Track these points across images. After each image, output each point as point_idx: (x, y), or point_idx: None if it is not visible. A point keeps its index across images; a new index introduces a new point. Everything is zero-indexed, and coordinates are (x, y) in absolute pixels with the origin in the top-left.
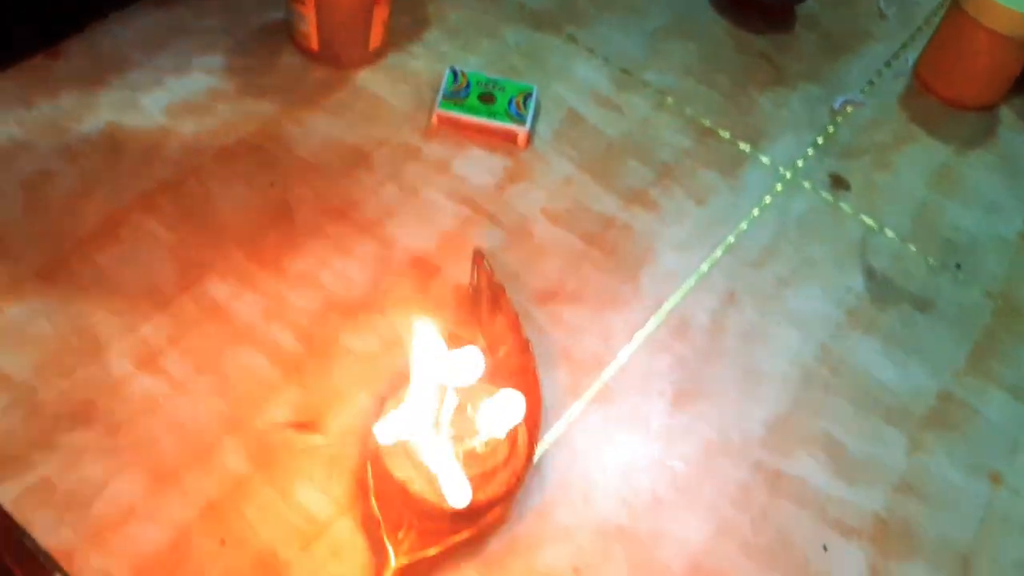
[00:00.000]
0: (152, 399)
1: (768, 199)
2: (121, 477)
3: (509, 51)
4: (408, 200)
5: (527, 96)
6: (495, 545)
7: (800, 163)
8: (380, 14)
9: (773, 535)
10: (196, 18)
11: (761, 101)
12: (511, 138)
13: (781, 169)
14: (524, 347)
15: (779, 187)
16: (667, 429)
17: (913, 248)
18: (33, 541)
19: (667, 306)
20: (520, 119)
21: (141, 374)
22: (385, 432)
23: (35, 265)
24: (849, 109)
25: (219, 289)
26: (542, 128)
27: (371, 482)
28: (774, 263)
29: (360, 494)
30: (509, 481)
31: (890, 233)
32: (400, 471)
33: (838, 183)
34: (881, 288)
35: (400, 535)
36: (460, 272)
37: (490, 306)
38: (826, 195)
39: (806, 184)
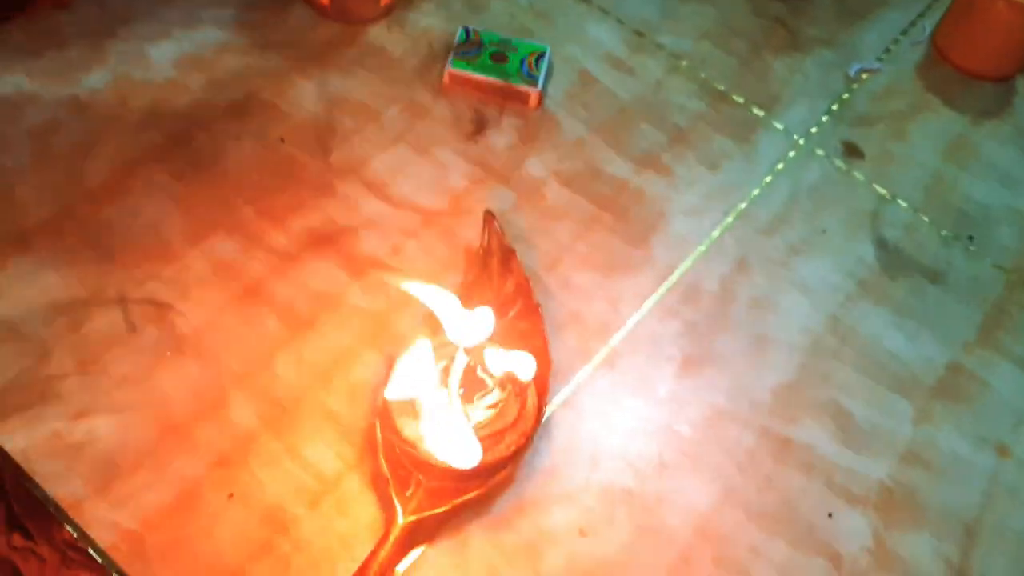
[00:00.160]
0: (161, 353)
1: (781, 166)
2: (130, 430)
3: (522, 10)
4: (418, 159)
5: (539, 56)
6: (502, 505)
7: (814, 130)
8: None
9: (779, 501)
10: None
11: (776, 66)
12: (523, 99)
13: (795, 136)
14: (534, 310)
15: (792, 154)
16: (675, 394)
17: (926, 219)
18: (43, 492)
19: (677, 272)
20: (532, 80)
21: (150, 328)
22: (395, 390)
23: (43, 216)
24: (865, 76)
25: (227, 245)
26: (554, 89)
27: (380, 441)
28: (785, 231)
29: (368, 452)
30: (517, 442)
31: (903, 203)
32: (409, 430)
33: (852, 151)
34: (892, 258)
35: (408, 493)
36: (470, 233)
37: (500, 268)
38: (839, 163)
39: (819, 151)
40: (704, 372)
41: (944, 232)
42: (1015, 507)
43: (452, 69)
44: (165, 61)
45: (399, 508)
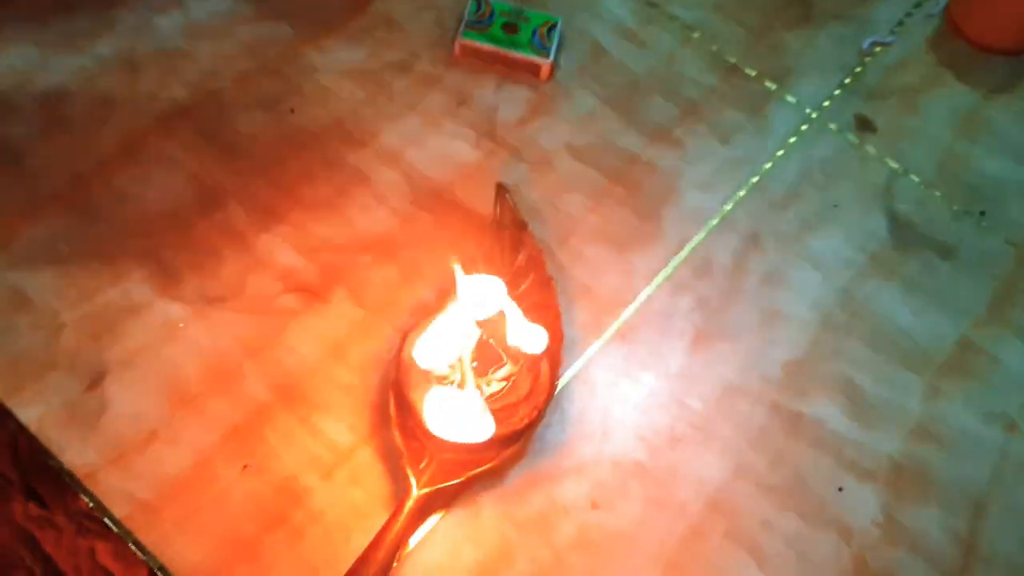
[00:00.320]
0: (173, 324)
1: (793, 140)
2: (143, 401)
3: None
4: (429, 131)
5: (551, 27)
6: (515, 477)
7: (826, 104)
8: None
9: (789, 476)
10: None
11: (789, 39)
12: (534, 70)
13: (807, 110)
14: (546, 283)
15: (804, 128)
16: (686, 369)
17: (937, 193)
18: (57, 462)
19: (689, 246)
20: (544, 51)
21: (162, 299)
22: (423, 356)
23: (54, 186)
24: (878, 50)
25: (239, 216)
26: (565, 61)
27: (393, 413)
28: (797, 205)
29: (381, 425)
30: (530, 415)
31: (915, 178)
32: (422, 403)
33: (864, 125)
34: (904, 233)
35: (422, 466)
36: (481, 205)
37: (512, 241)
38: (851, 137)
39: (832, 125)
40: (716, 346)
41: (956, 207)
42: (1023, 482)
43: (463, 40)
44: (173, 30)
45: (413, 480)
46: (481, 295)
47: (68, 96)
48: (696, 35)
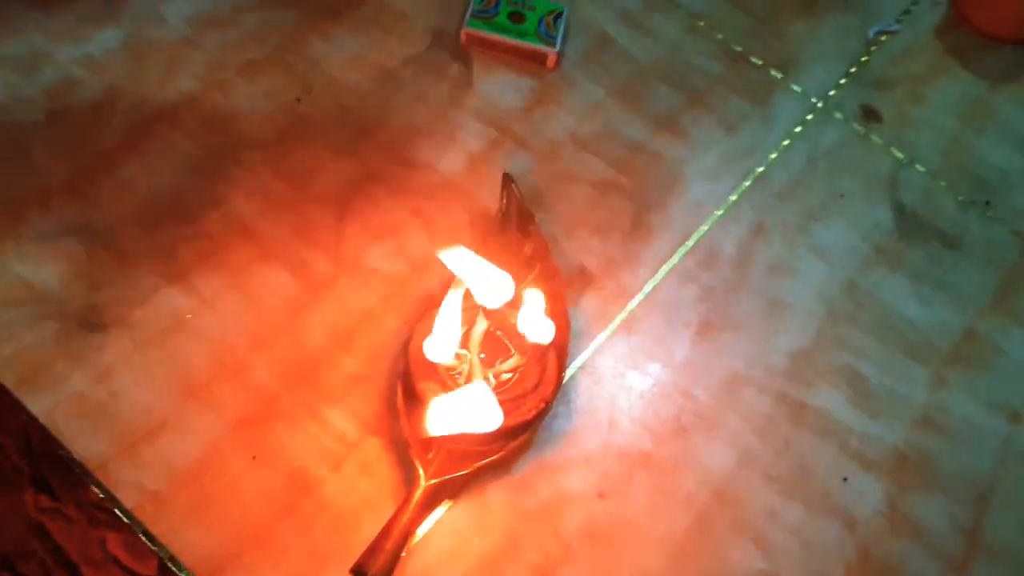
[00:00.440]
0: (181, 315)
1: (799, 129)
2: (152, 391)
3: None
4: (435, 121)
5: (557, 16)
6: (522, 468)
7: (832, 93)
8: None
9: (795, 465)
10: None
11: (795, 28)
12: (540, 59)
13: (813, 99)
14: (553, 274)
15: (810, 117)
16: (692, 359)
17: (943, 183)
18: (67, 453)
19: (695, 236)
20: (550, 40)
21: (170, 290)
22: (434, 350)
23: (60, 176)
24: (883, 38)
25: (246, 206)
26: (571, 50)
27: (401, 404)
28: (803, 195)
29: (389, 415)
30: (537, 406)
31: (920, 167)
32: (431, 394)
33: (870, 114)
34: (909, 223)
35: (430, 456)
36: (487, 195)
37: (519, 232)
38: (857, 126)
39: (837, 115)
40: (721, 337)
41: (961, 197)
42: None
43: (468, 29)
44: (179, 19)
45: (421, 471)
46: (491, 283)
47: (74, 85)
48: (702, 23)
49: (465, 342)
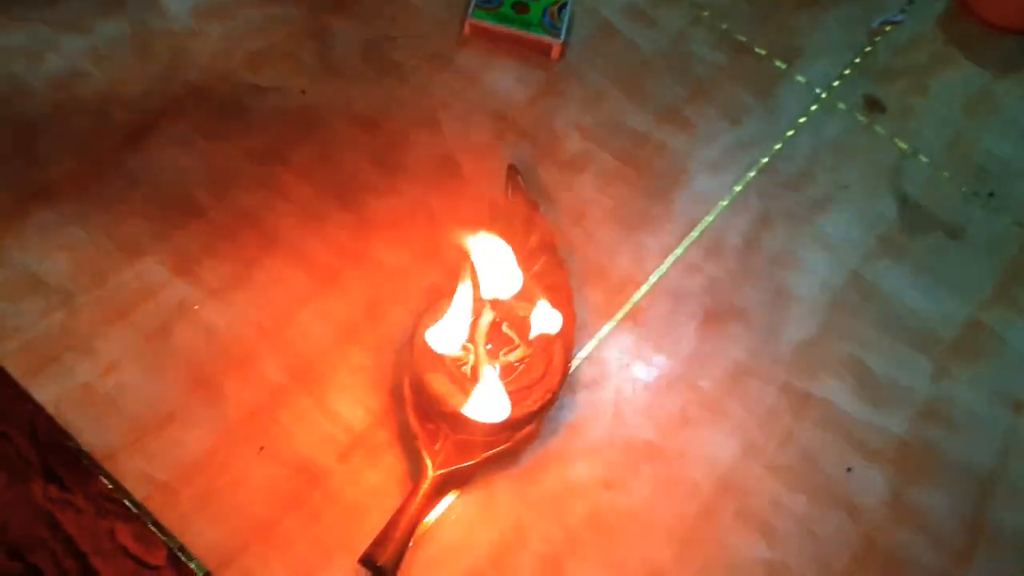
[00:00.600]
0: (188, 306)
1: (803, 120)
2: (160, 383)
3: None
4: (439, 112)
5: (562, 6)
6: (528, 459)
7: (836, 84)
8: None
9: (799, 456)
10: None
11: (799, 18)
12: (545, 50)
13: (817, 89)
14: (559, 265)
15: (814, 108)
16: (697, 350)
17: (946, 174)
18: (76, 444)
19: (700, 227)
20: (554, 30)
21: (177, 281)
22: (440, 341)
23: (66, 168)
24: (888, 29)
25: (251, 197)
26: (575, 40)
27: (408, 395)
28: (807, 186)
29: (396, 406)
30: (544, 397)
31: (924, 158)
32: (438, 385)
33: (873, 105)
34: (913, 214)
35: (437, 447)
36: (492, 186)
37: (524, 223)
38: (861, 117)
39: (841, 105)
40: (726, 327)
41: (964, 188)
42: None
43: (473, 19)
44: (183, 10)
45: (428, 462)
46: (503, 274)
47: (79, 77)
48: (706, 13)
49: (471, 333)
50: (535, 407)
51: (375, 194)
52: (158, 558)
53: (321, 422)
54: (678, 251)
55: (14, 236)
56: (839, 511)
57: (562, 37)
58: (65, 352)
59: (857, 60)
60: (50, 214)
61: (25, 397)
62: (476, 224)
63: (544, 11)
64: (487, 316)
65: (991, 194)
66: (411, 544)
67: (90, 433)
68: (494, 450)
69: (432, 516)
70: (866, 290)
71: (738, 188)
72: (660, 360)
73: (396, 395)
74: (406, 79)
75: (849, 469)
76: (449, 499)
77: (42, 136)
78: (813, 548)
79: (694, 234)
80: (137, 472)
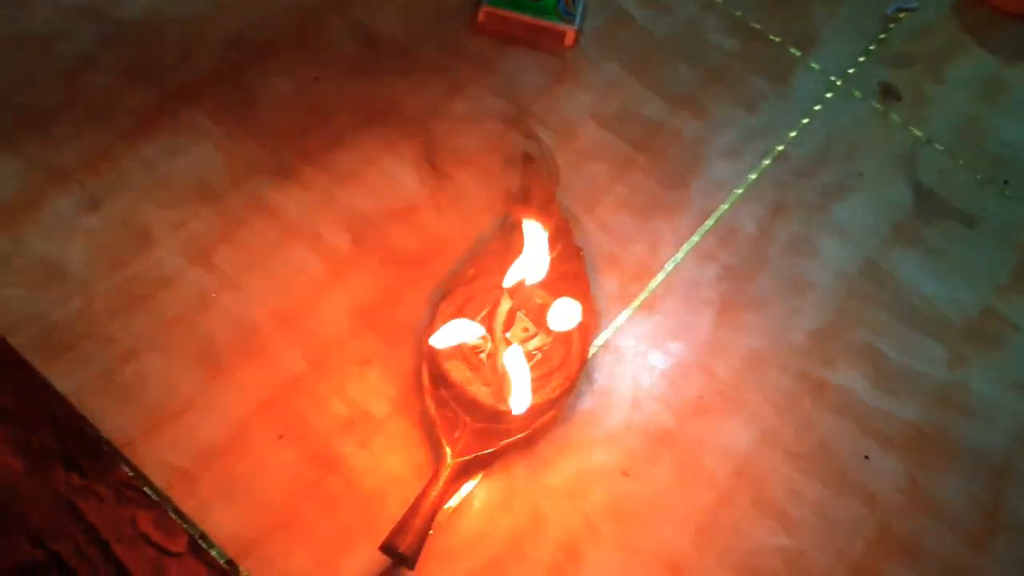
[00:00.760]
0: (205, 294)
1: (818, 107)
2: (178, 370)
3: None
4: (453, 98)
5: None
6: (546, 446)
7: (851, 71)
8: None
9: (815, 443)
10: None
11: (813, 4)
12: (559, 37)
13: (832, 77)
14: (575, 253)
15: (829, 95)
16: (713, 338)
17: (961, 162)
18: (96, 431)
19: (715, 215)
20: (569, 17)
21: (193, 269)
22: (440, 338)
23: (81, 155)
24: (902, 16)
25: (267, 185)
26: (589, 27)
27: (426, 383)
28: (822, 173)
29: (414, 393)
30: (563, 385)
31: (938, 146)
32: (457, 373)
33: (888, 92)
34: (928, 202)
35: (456, 435)
36: (508, 174)
37: (540, 211)
38: (876, 104)
39: (856, 93)
40: (742, 315)
41: (979, 176)
42: None
43: (487, 6)
44: None
45: (447, 449)
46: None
47: (93, 63)
48: (720, 0)
49: (490, 321)
50: (554, 395)
51: (390, 181)
52: (179, 545)
53: (340, 409)
54: (694, 239)
55: (31, 223)
56: (855, 498)
57: (576, 24)
58: (83, 340)
59: (871, 47)
60: (67, 201)
61: (44, 385)
62: (493, 212)
63: None
64: (505, 304)
65: (1006, 182)
66: (431, 531)
67: (110, 421)
68: (513, 437)
69: (451, 503)
70: (881, 278)
71: (753, 176)
72: (676, 348)
73: (414, 382)
74: (420, 66)
75: (866, 457)
76: (468, 486)
77: (57, 122)
78: (829, 535)
79: (709, 222)
80: (157, 459)
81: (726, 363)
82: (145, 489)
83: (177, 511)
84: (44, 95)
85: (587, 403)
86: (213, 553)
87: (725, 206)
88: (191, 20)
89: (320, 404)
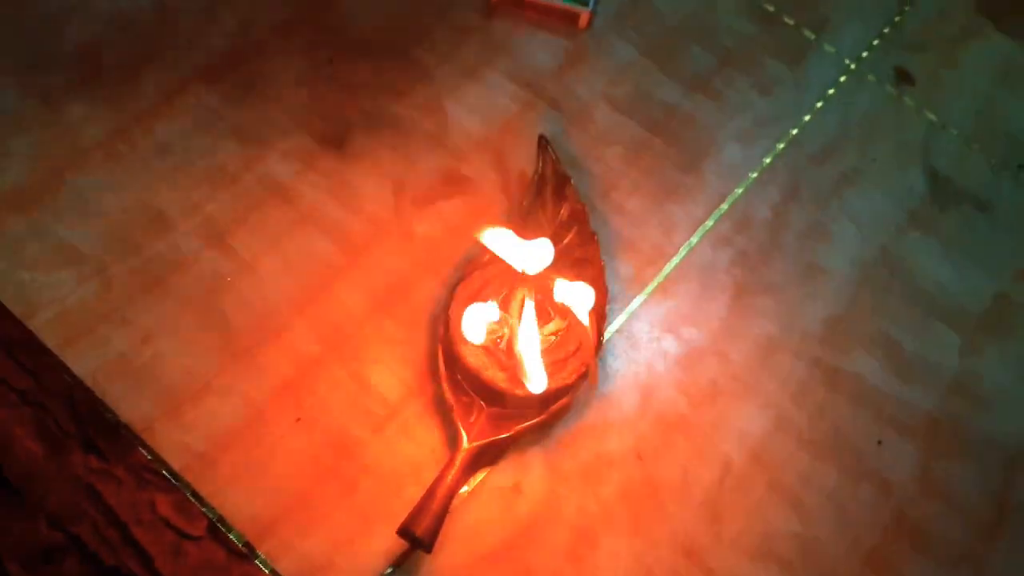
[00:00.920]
0: (221, 277)
1: (832, 91)
2: (195, 354)
3: None
4: (467, 81)
5: None
6: (561, 431)
7: (865, 54)
8: None
9: (829, 430)
10: None
11: None
12: (572, 19)
13: (846, 60)
14: (590, 237)
15: (843, 79)
16: (727, 322)
17: (976, 147)
18: (114, 415)
19: (730, 199)
20: None
21: (209, 252)
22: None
23: (96, 136)
24: None
25: (282, 168)
26: (603, 9)
27: (442, 368)
28: (837, 159)
29: (430, 378)
30: (578, 370)
31: (953, 131)
32: (472, 358)
33: (903, 77)
34: (942, 188)
35: (472, 420)
36: (521, 157)
37: (555, 195)
38: (890, 89)
39: (871, 77)
40: (756, 301)
41: (994, 161)
42: None
43: None
44: None
45: (464, 434)
46: (530, 252)
47: (106, 44)
48: None
49: (506, 307)
50: (570, 380)
51: (405, 164)
52: (198, 528)
53: (356, 393)
54: (708, 223)
55: (48, 205)
56: (869, 485)
57: (590, 6)
58: (100, 323)
59: (886, 30)
60: (82, 183)
61: (62, 368)
62: (508, 195)
63: None
64: (522, 290)
65: (1020, 167)
66: (447, 515)
67: (127, 404)
68: (528, 423)
69: (467, 488)
70: (895, 264)
71: (767, 160)
72: (691, 333)
73: (430, 367)
74: (434, 49)
75: (880, 443)
76: (484, 471)
77: (71, 104)
78: (843, 521)
79: (724, 207)
80: (175, 443)
81: (740, 349)
82: (163, 472)
83: (195, 494)
84: (59, 77)
85: (602, 388)
86: (232, 536)
87: (739, 190)
88: (205, 2)
89: (336, 388)
